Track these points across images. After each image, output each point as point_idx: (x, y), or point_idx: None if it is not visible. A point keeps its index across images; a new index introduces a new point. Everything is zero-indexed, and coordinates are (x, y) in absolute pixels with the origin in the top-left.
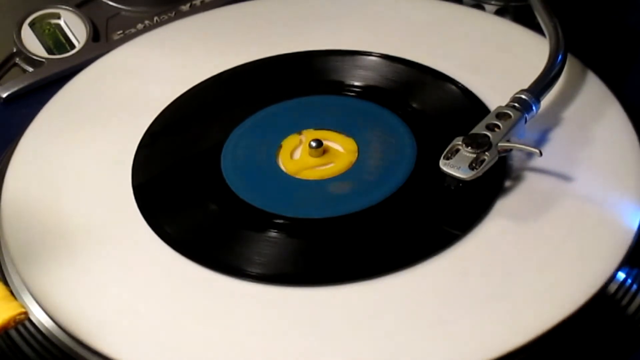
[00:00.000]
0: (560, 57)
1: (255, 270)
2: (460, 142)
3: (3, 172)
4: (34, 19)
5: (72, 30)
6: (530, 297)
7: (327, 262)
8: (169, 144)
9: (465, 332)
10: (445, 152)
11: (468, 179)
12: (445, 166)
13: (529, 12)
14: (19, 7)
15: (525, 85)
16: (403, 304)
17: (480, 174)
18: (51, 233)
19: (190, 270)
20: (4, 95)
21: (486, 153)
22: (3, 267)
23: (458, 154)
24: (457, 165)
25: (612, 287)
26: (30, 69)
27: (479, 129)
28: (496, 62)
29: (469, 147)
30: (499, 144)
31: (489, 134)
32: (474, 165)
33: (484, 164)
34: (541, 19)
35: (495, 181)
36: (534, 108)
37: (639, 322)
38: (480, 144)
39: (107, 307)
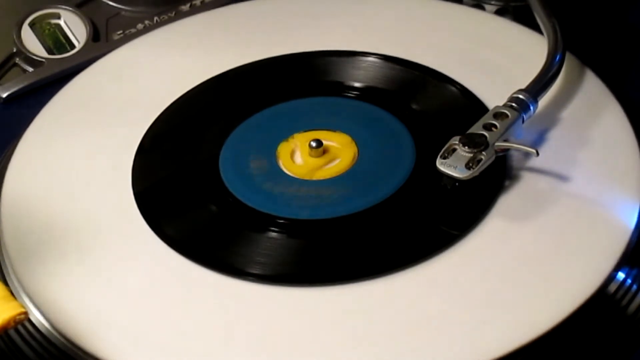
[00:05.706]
0: (558, 57)
1: (255, 270)
2: (457, 142)
3: (3, 173)
4: (34, 19)
5: (72, 30)
6: (529, 297)
7: (327, 262)
8: (169, 144)
9: (465, 333)
10: (442, 152)
11: (464, 179)
12: (442, 165)
13: (529, 12)
14: (19, 7)
15: (525, 85)
16: (402, 304)
17: (476, 173)
18: (51, 234)
19: (190, 271)
20: (4, 95)
21: (483, 153)
22: (3, 268)
23: (455, 153)
24: (453, 165)
25: (612, 287)
26: (30, 69)
27: (476, 128)
28: (496, 62)
29: (466, 147)
30: (496, 144)
31: (486, 133)
32: (470, 164)
33: (480, 164)
34: (540, 19)
35: (494, 181)
36: (531, 108)
37: (639, 322)
38: (477, 143)
39: (106, 308)
